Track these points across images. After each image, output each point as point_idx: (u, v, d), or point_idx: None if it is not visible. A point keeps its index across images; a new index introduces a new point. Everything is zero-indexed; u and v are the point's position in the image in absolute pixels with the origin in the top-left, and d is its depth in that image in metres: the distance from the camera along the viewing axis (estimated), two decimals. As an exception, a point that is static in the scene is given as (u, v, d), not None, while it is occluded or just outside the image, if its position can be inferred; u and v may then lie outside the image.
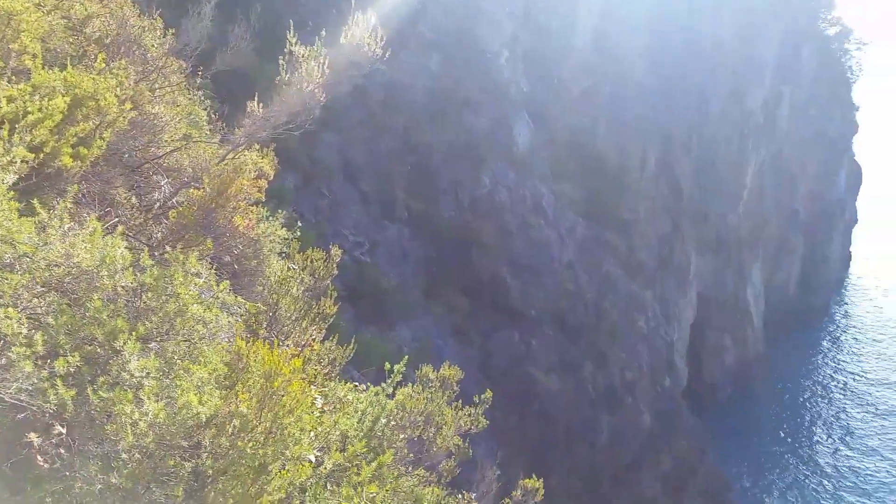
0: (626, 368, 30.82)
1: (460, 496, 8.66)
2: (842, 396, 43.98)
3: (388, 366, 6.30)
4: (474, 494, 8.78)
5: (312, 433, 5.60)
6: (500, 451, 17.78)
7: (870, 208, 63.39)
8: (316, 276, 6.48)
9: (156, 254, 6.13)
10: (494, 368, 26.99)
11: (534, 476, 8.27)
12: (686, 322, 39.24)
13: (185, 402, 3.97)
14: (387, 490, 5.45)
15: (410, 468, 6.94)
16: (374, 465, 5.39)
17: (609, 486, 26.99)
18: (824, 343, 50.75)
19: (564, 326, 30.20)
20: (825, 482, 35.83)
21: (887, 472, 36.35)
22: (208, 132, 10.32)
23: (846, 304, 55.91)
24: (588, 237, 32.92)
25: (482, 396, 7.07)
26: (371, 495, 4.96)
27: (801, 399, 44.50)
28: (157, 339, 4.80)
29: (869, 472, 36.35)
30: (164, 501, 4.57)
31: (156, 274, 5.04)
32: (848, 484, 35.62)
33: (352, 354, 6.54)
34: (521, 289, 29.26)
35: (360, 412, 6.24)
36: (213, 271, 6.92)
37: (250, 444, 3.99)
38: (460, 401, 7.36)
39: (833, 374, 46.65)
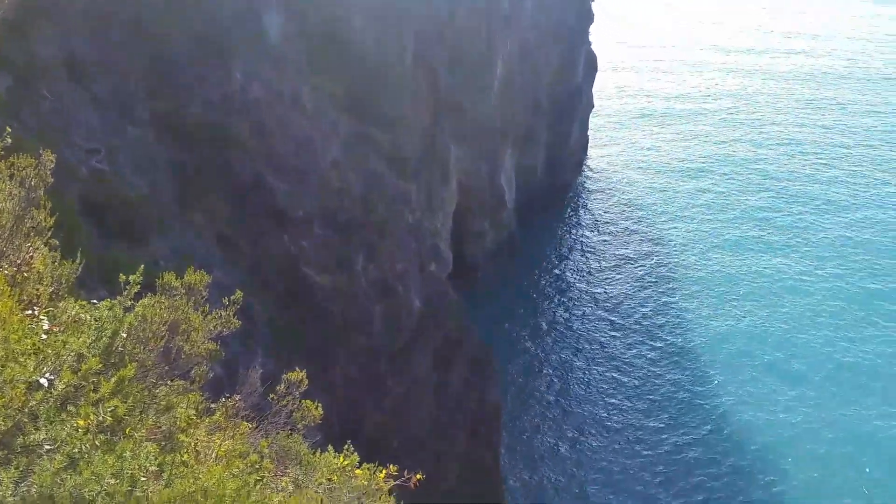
0: (395, 260, 32.11)
1: (224, 398, 8.71)
2: (580, 262, 50.58)
3: (122, 277, 5.96)
4: (239, 396, 8.87)
5: (41, 356, 5.24)
6: (262, 349, 17.92)
7: (602, 94, 70.76)
8: (27, 187, 5.80)
9: None
10: (267, 274, 26.62)
11: (297, 369, 8.53)
12: (449, 210, 41.54)
13: None
14: (131, 403, 5.32)
15: (162, 379, 6.79)
16: (113, 380, 5.21)
17: (385, 367, 28.65)
18: (567, 219, 57.15)
19: (334, 225, 30.39)
20: (568, 332, 44.31)
21: (616, 316, 45.01)
22: None
23: (585, 183, 62.79)
24: (352, 134, 32.82)
25: (231, 298, 7.01)
26: (111, 409, 4.82)
27: (548, 268, 50.43)
28: None
29: (603, 319, 45.17)
30: None
31: None
32: (584, 331, 44.10)
33: (79, 270, 6.06)
34: (286, 190, 28.64)
35: (96, 329, 5.91)
36: None
37: (-51, 376, 3.64)
38: (207, 306, 7.24)
39: (574, 246, 53.06)
